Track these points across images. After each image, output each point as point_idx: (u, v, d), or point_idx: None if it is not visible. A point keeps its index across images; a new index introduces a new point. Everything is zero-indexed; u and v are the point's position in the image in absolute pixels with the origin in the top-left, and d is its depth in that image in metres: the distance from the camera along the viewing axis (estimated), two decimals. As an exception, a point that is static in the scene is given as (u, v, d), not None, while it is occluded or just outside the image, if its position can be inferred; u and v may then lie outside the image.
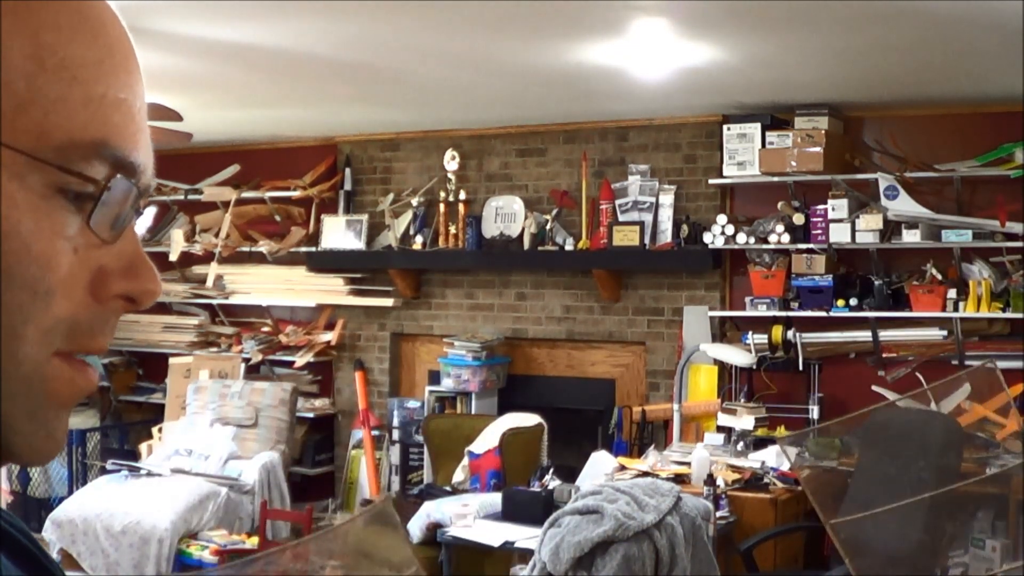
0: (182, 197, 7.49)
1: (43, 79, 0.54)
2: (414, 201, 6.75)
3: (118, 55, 0.59)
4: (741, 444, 5.41)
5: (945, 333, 5.50)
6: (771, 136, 5.72)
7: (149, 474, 6.23)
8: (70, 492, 6.52)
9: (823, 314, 5.61)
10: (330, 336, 7.11)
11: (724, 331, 6.04)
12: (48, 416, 0.57)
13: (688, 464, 4.98)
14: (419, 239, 6.69)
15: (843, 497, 4.59)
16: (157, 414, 7.24)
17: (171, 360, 7.30)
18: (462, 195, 6.62)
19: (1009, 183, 5.27)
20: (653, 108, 5.89)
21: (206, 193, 7.36)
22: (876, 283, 5.55)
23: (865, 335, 5.67)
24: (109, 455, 6.95)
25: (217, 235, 7.29)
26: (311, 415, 7.06)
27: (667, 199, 6.11)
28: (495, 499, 5.06)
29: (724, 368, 5.92)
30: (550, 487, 5.01)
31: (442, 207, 6.67)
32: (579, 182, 6.32)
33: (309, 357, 7.08)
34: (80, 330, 0.57)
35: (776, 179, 5.74)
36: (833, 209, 5.58)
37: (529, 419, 5.84)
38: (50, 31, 0.55)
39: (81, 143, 0.55)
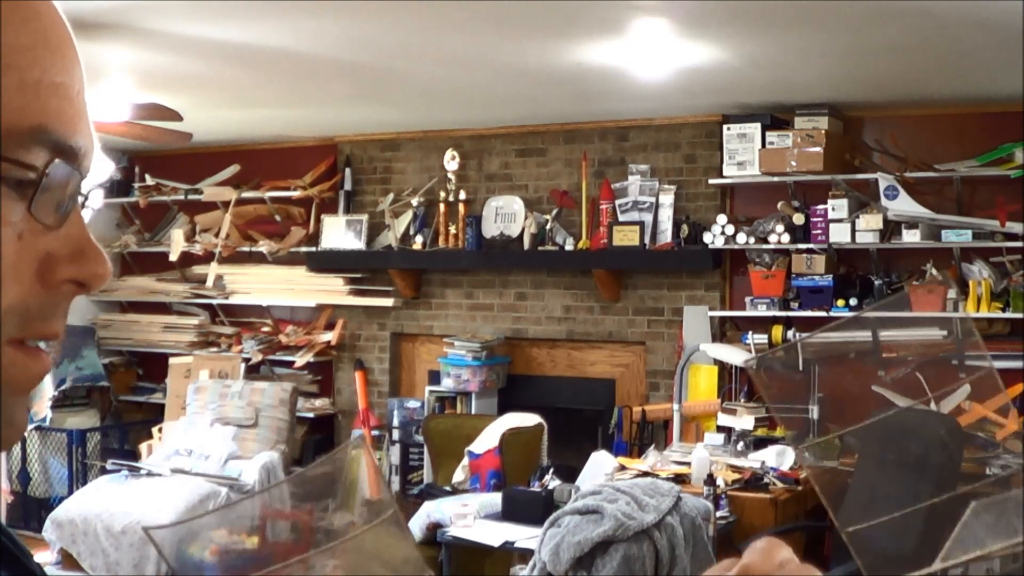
0: (182, 197, 7.49)
1: None
2: (414, 201, 6.75)
3: (53, 39, 0.57)
4: (741, 444, 5.41)
5: (945, 333, 5.50)
6: (771, 136, 5.72)
7: (149, 474, 6.23)
8: (70, 492, 6.52)
9: (823, 314, 5.61)
10: (330, 336, 7.11)
11: (724, 331, 6.04)
12: (6, 404, 0.57)
13: (688, 464, 4.98)
14: (419, 239, 6.69)
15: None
16: (157, 414, 7.24)
17: (171, 360, 7.30)
18: (462, 195, 6.62)
19: (1009, 183, 5.27)
20: (653, 108, 5.89)
21: (206, 193, 7.36)
22: (876, 283, 5.55)
23: (865, 335, 5.67)
24: (109, 455, 6.95)
25: (217, 235, 7.29)
26: (311, 415, 7.06)
27: (667, 199, 6.11)
28: (495, 499, 5.06)
29: (724, 368, 5.92)
30: (550, 487, 5.01)
31: (442, 207, 6.67)
32: (579, 182, 6.32)
33: (309, 357, 7.08)
34: (31, 316, 0.57)
35: (776, 179, 5.74)
36: (833, 209, 5.58)
37: (529, 419, 5.83)
38: None
39: (18, 129, 0.55)
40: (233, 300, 7.43)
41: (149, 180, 7.59)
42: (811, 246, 5.64)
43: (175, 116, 4.56)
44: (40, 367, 0.58)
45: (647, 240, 6.05)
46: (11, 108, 0.54)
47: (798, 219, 5.65)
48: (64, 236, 0.57)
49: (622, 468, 5.07)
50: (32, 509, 6.80)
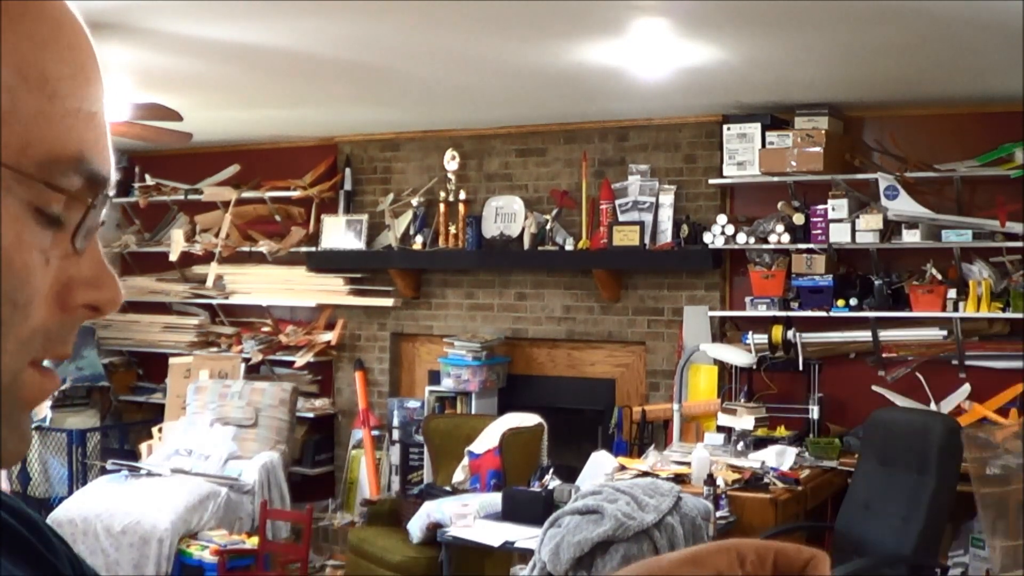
0: (182, 197, 7.49)
1: (25, 93, 0.54)
2: (414, 201, 6.75)
3: (88, 68, 0.59)
4: (741, 444, 5.41)
5: (945, 333, 5.50)
6: (771, 136, 5.72)
7: (149, 474, 6.23)
8: (70, 492, 6.52)
9: (823, 314, 5.61)
10: (330, 336, 7.11)
11: (724, 331, 6.04)
12: (21, 420, 0.59)
13: (688, 464, 4.98)
14: (419, 239, 6.69)
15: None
16: (157, 414, 7.25)
17: (171, 360, 7.30)
18: (462, 195, 6.61)
19: (1009, 183, 5.27)
20: (653, 108, 5.89)
21: (206, 193, 7.36)
22: (876, 283, 5.54)
23: (865, 335, 5.67)
24: (109, 455, 6.94)
25: (217, 235, 7.29)
26: (311, 415, 7.06)
27: (667, 199, 6.11)
28: (495, 499, 5.06)
29: (724, 368, 5.92)
30: (550, 487, 5.01)
31: (442, 207, 6.66)
32: (579, 182, 6.32)
33: (309, 357, 7.08)
34: (51, 339, 0.58)
35: (776, 179, 5.74)
36: (833, 209, 5.57)
37: (529, 419, 5.84)
38: (30, 45, 0.55)
39: (61, 158, 0.56)
40: (233, 300, 7.44)
41: (149, 180, 7.59)
42: (811, 246, 5.64)
43: (175, 116, 4.56)
44: (52, 385, 0.60)
45: (647, 240, 6.05)
46: (56, 137, 0.56)
47: (798, 219, 5.65)
48: (83, 262, 0.59)
49: (622, 468, 5.07)
50: (32, 509, 6.79)
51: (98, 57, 0.60)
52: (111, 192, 0.60)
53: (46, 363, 0.60)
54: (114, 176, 0.61)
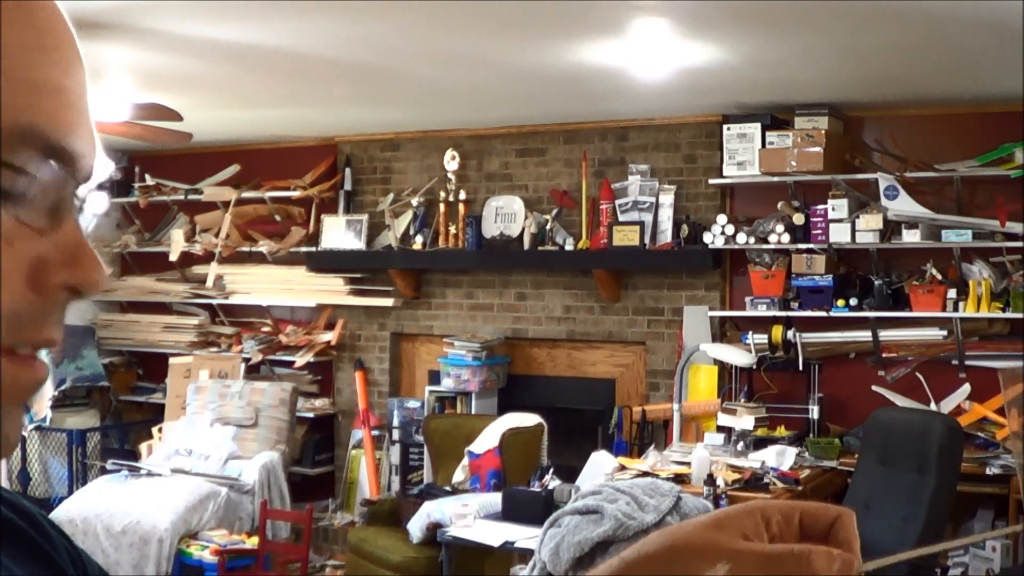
0: (182, 197, 7.50)
1: None
2: (414, 201, 6.75)
3: (53, 40, 0.56)
4: (741, 444, 5.41)
5: (945, 333, 5.50)
6: (771, 136, 5.72)
7: (149, 474, 6.23)
8: (70, 492, 6.52)
9: (823, 314, 5.61)
10: (330, 336, 7.12)
11: (724, 331, 6.04)
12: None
13: (688, 464, 4.98)
14: (419, 239, 6.69)
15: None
16: (157, 414, 7.25)
17: (171, 360, 7.30)
18: (462, 195, 6.61)
19: (1009, 183, 5.27)
20: (653, 108, 5.89)
21: (206, 193, 7.36)
22: (876, 283, 5.55)
23: (865, 335, 5.67)
24: (109, 455, 6.95)
25: (217, 235, 7.29)
26: (311, 415, 7.06)
27: (667, 199, 6.11)
28: (495, 499, 5.06)
29: (724, 368, 5.92)
30: (550, 487, 5.01)
31: (442, 207, 6.66)
32: (579, 182, 6.32)
33: (309, 357, 7.08)
34: (22, 323, 0.54)
35: (776, 179, 5.74)
36: (833, 209, 5.58)
37: (529, 419, 5.84)
38: None
39: (11, 132, 0.53)
40: (233, 300, 7.44)
41: (149, 180, 7.59)
42: (811, 246, 5.64)
43: (175, 116, 4.56)
44: (31, 375, 0.56)
45: (647, 240, 6.05)
46: (6, 110, 0.53)
47: (798, 219, 5.65)
48: (59, 241, 0.56)
49: (622, 468, 5.07)
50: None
51: (71, 32, 0.57)
52: (87, 169, 0.57)
53: (28, 351, 0.56)
54: (97, 150, 0.58)
